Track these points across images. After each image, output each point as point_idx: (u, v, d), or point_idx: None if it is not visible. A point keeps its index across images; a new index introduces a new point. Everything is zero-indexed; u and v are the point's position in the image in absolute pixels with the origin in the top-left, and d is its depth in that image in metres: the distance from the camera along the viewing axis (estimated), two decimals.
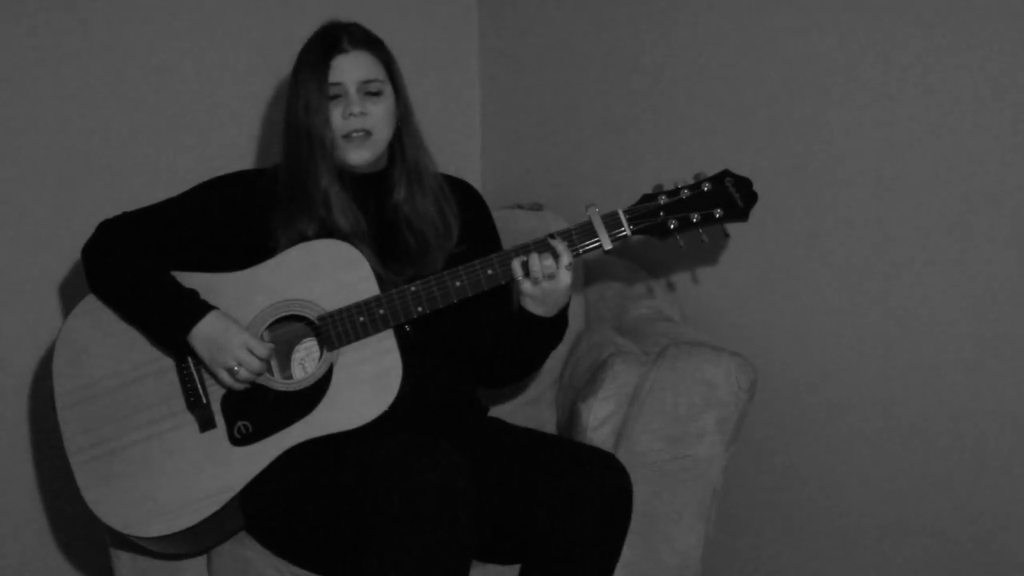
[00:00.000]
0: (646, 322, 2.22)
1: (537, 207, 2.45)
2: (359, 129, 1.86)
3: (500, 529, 1.80)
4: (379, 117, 1.88)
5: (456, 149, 1.99)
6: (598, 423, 2.03)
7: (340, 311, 1.81)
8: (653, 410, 1.97)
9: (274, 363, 1.87)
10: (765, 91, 2.09)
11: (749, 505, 2.26)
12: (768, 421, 2.18)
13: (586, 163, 2.51)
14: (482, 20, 2.74)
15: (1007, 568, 1.86)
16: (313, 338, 1.87)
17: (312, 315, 1.82)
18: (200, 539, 1.85)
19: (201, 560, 1.94)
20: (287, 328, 1.87)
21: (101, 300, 1.87)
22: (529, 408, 2.32)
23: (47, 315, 2.34)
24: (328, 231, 1.87)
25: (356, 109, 1.85)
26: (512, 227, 2.26)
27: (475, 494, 1.67)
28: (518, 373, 2.01)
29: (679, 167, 2.28)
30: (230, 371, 1.78)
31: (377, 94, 1.87)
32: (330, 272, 1.83)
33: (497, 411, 2.30)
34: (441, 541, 1.63)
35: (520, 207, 2.48)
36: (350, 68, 1.86)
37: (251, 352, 1.78)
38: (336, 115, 1.86)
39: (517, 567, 1.84)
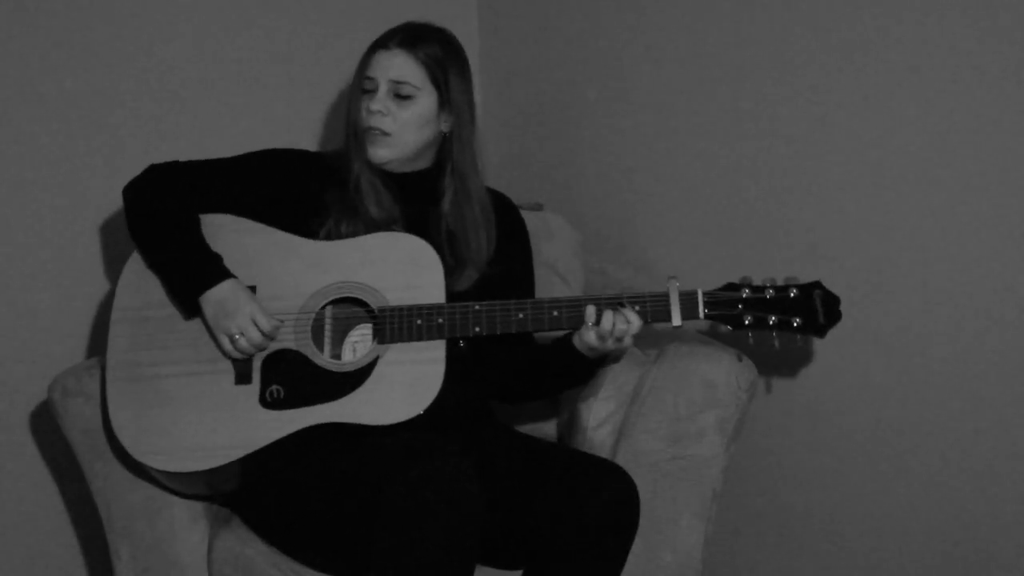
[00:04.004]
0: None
1: (537, 207, 2.44)
2: (376, 127, 1.88)
3: (503, 534, 1.80)
4: (403, 121, 1.89)
5: None
6: (598, 423, 2.03)
7: (401, 308, 1.82)
8: (653, 410, 1.97)
9: (327, 338, 1.87)
10: (763, 90, 2.09)
11: (749, 505, 2.26)
12: (768, 421, 2.18)
13: (586, 163, 2.51)
14: (482, 20, 2.74)
15: (1006, 570, 1.86)
16: (371, 326, 1.88)
17: (374, 304, 1.83)
18: (189, 485, 1.88)
19: (202, 559, 1.94)
20: (351, 309, 1.88)
21: (133, 240, 1.89)
22: (529, 407, 2.32)
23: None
24: (363, 219, 1.89)
25: (376, 107, 1.88)
26: None
27: (481, 494, 1.67)
28: (538, 396, 2.04)
29: (680, 166, 2.28)
30: (231, 337, 1.79)
31: (407, 97, 1.88)
32: (405, 268, 1.84)
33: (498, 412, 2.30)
34: (447, 541, 1.62)
35: (520, 207, 2.47)
36: (385, 65, 1.88)
37: (255, 324, 1.79)
38: (363, 108, 1.89)
39: (519, 573, 1.84)
